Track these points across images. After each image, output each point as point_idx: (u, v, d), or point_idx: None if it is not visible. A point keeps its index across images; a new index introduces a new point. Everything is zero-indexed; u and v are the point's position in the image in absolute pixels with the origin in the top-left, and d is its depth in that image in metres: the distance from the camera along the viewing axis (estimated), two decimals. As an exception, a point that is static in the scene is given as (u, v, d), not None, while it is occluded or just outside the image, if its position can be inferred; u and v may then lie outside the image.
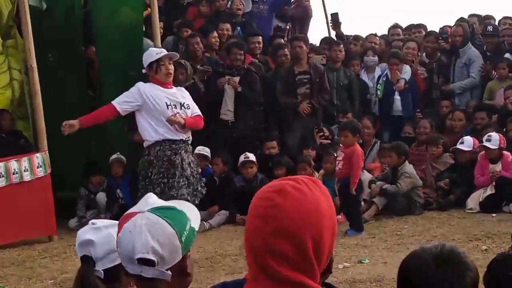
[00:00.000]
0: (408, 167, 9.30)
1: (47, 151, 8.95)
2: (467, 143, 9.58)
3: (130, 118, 8.78)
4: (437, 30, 11.81)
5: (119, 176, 9.98)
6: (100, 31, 10.08)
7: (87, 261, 2.82)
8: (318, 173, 9.65)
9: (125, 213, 2.38)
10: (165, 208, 2.35)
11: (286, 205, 1.96)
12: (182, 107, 8.31)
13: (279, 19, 12.82)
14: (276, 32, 12.45)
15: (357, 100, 11.16)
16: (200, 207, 9.22)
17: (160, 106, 8.13)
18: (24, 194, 8.68)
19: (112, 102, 8.23)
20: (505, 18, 12.37)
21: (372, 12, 22.67)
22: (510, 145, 9.49)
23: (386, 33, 12.88)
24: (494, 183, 9.10)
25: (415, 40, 11.67)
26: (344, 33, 12.61)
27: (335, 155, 8.97)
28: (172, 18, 11.96)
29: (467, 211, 9.08)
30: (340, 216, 8.19)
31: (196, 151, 9.40)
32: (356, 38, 12.29)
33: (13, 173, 8.64)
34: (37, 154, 8.91)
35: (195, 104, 8.54)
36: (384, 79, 10.97)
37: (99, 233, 2.85)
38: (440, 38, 11.47)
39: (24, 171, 8.72)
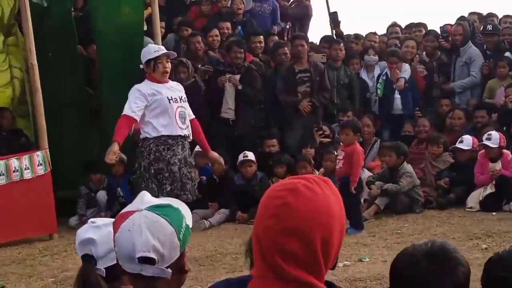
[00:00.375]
0: (408, 167, 9.32)
1: (48, 149, 8.97)
2: (466, 142, 9.59)
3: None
4: (438, 29, 11.81)
5: (120, 175, 9.99)
6: (100, 30, 10.08)
7: (89, 260, 2.82)
8: (318, 171, 9.65)
9: (120, 213, 2.38)
10: (162, 206, 2.35)
11: (298, 204, 1.96)
12: (181, 100, 8.29)
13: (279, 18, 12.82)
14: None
15: (357, 99, 11.17)
16: (200, 205, 9.26)
17: (163, 102, 8.09)
18: (25, 192, 8.70)
19: (125, 113, 7.97)
20: (506, 16, 12.38)
21: (372, 11, 22.67)
22: (512, 143, 9.53)
23: (385, 31, 12.87)
24: (494, 182, 9.11)
25: (414, 39, 11.67)
26: (344, 32, 12.62)
27: (335, 153, 8.98)
28: (174, 17, 11.97)
29: (467, 209, 9.09)
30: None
31: (197, 149, 9.40)
32: (357, 37, 12.30)
33: (14, 171, 8.65)
34: (38, 152, 8.92)
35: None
36: (384, 78, 10.98)
37: (99, 231, 2.86)
38: (441, 37, 11.47)
39: (25, 169, 8.73)
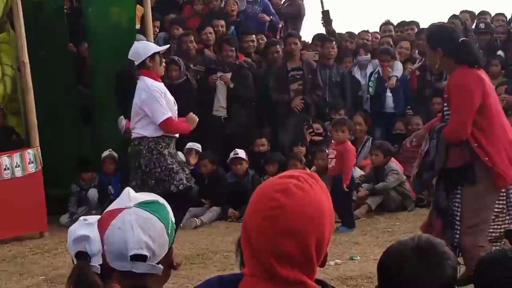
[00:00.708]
0: (393, 164, 9.36)
1: (39, 147, 8.94)
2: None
3: (124, 114, 8.69)
4: (430, 27, 11.79)
5: (111, 173, 9.97)
6: (93, 29, 10.07)
7: (84, 257, 2.81)
8: (309, 169, 9.65)
9: (107, 211, 2.36)
10: (150, 202, 2.35)
11: (292, 205, 1.96)
12: (175, 104, 8.09)
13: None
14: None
15: (349, 97, 11.16)
16: (192, 204, 9.21)
17: (171, 104, 7.76)
18: (16, 190, 8.66)
19: (167, 116, 7.38)
20: (498, 14, 12.39)
21: (364, 10, 22.68)
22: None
23: (378, 30, 12.87)
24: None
25: (408, 40, 11.65)
26: (336, 31, 12.62)
27: (327, 151, 8.98)
28: (166, 16, 11.96)
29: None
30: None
31: (188, 146, 9.37)
32: (351, 35, 12.30)
33: (5, 169, 8.62)
34: (29, 150, 8.90)
35: None
36: (376, 76, 10.97)
37: (93, 229, 2.84)
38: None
39: (16, 167, 8.70)
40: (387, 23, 12.84)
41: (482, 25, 11.60)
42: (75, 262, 2.90)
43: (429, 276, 2.24)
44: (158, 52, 7.48)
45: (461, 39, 5.81)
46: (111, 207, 2.36)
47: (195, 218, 9.13)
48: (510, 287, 2.37)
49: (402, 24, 12.68)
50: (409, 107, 10.96)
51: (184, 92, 9.01)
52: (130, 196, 2.36)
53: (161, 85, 7.46)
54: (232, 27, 11.86)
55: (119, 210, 2.31)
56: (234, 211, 9.33)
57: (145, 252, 2.26)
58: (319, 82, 10.63)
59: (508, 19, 12.44)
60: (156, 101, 7.32)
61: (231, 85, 10.36)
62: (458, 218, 5.45)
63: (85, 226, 2.84)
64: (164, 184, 7.39)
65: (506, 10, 12.83)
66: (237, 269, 2.12)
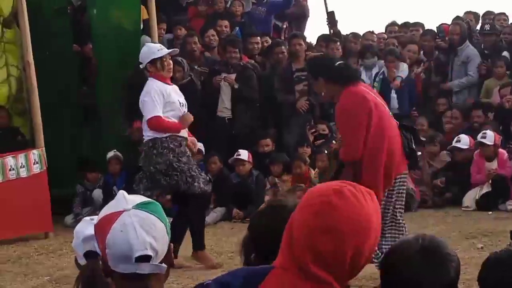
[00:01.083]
0: None
1: (44, 148, 8.95)
2: (464, 141, 9.59)
3: (126, 115, 8.70)
4: (434, 28, 11.80)
5: (116, 173, 9.98)
6: (97, 31, 10.08)
7: (94, 256, 2.80)
8: (314, 170, 9.65)
9: (103, 216, 2.34)
10: (147, 203, 2.35)
11: (341, 207, 2.00)
12: (184, 105, 7.96)
13: (276, 18, 12.82)
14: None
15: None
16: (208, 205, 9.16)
17: (176, 105, 7.69)
18: (21, 191, 8.68)
19: (154, 114, 7.28)
20: (499, 14, 12.36)
21: (368, 11, 22.70)
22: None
23: (383, 30, 12.87)
24: (490, 181, 9.11)
25: (416, 42, 11.61)
26: (341, 31, 12.62)
27: (326, 152, 8.94)
28: (170, 17, 11.95)
29: (463, 209, 9.10)
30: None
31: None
32: (355, 35, 12.28)
33: (10, 170, 8.64)
34: (34, 151, 8.91)
35: None
36: (381, 76, 10.96)
37: None
38: (437, 37, 11.47)
39: (21, 167, 8.72)
40: (393, 24, 12.84)
41: (487, 26, 11.58)
42: (78, 263, 2.90)
43: (432, 275, 2.24)
44: (158, 58, 7.42)
45: (337, 62, 6.16)
46: (107, 211, 2.34)
47: (200, 219, 9.13)
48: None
49: (407, 25, 12.67)
50: (414, 108, 10.94)
51: (188, 93, 8.95)
52: (126, 198, 2.35)
53: (163, 86, 7.41)
54: (237, 28, 11.85)
55: (118, 214, 2.30)
56: (238, 211, 9.34)
57: (149, 252, 2.27)
58: (324, 83, 10.61)
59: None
60: (149, 99, 7.29)
61: (236, 86, 10.36)
62: None
63: (93, 226, 2.84)
64: (186, 185, 7.28)
65: (510, 11, 12.80)
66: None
